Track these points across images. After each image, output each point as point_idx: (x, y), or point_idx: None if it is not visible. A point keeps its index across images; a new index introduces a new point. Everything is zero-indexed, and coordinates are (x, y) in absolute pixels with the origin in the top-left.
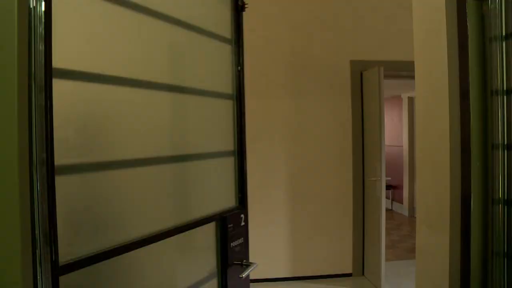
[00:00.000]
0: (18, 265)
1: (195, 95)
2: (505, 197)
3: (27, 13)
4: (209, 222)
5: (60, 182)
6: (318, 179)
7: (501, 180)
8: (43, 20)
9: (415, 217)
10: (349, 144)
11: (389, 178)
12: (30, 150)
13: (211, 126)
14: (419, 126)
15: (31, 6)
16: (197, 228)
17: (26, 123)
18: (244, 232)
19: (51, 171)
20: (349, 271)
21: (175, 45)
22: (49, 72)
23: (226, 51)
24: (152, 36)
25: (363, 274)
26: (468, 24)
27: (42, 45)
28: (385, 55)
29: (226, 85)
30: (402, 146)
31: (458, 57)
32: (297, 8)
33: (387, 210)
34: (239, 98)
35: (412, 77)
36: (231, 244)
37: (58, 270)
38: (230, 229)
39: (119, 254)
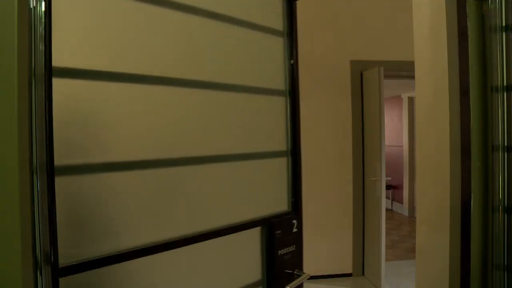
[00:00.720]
0: (18, 265)
1: (236, 92)
2: (505, 199)
3: (27, 13)
4: (251, 228)
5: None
6: (318, 179)
7: (501, 180)
8: (43, 20)
9: (415, 217)
10: (349, 144)
11: (389, 178)
12: (30, 150)
13: (258, 124)
14: (419, 126)
15: (31, 6)
16: (239, 233)
17: (27, 123)
18: (296, 240)
19: (50, 172)
20: (349, 271)
21: (208, 40)
22: (49, 72)
23: (277, 44)
24: (178, 31)
25: (363, 274)
26: (468, 24)
27: (42, 45)
28: (385, 55)
29: (277, 81)
30: (402, 146)
31: (458, 57)
32: (297, 8)
33: (387, 210)
34: (292, 94)
35: (412, 77)
36: (279, 251)
37: (58, 271)
38: (278, 235)
39: (128, 259)
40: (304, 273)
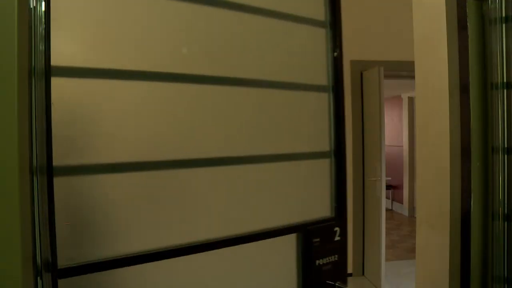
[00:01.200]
0: (18, 265)
1: (272, 89)
2: (505, 201)
3: (27, 13)
4: (285, 234)
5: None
6: None
7: (501, 182)
8: (43, 20)
9: (415, 217)
10: (349, 144)
11: (389, 178)
12: (30, 151)
13: (297, 123)
14: (419, 126)
15: (31, 6)
16: (271, 240)
17: (27, 123)
18: (339, 249)
19: (49, 173)
20: (349, 271)
21: (239, 33)
22: (49, 72)
23: (318, 35)
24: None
25: (363, 274)
26: (468, 24)
27: (42, 45)
28: (385, 55)
29: (319, 76)
30: (402, 146)
31: (458, 57)
32: None
33: (387, 210)
34: (336, 89)
35: (412, 77)
36: (318, 261)
37: (57, 272)
38: (316, 243)
39: (134, 263)
40: (346, 286)
